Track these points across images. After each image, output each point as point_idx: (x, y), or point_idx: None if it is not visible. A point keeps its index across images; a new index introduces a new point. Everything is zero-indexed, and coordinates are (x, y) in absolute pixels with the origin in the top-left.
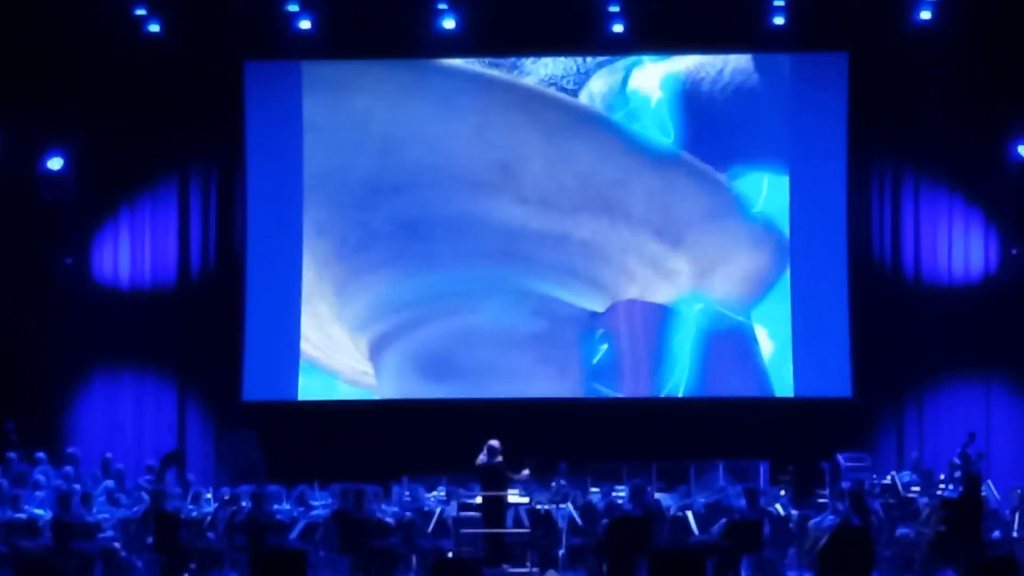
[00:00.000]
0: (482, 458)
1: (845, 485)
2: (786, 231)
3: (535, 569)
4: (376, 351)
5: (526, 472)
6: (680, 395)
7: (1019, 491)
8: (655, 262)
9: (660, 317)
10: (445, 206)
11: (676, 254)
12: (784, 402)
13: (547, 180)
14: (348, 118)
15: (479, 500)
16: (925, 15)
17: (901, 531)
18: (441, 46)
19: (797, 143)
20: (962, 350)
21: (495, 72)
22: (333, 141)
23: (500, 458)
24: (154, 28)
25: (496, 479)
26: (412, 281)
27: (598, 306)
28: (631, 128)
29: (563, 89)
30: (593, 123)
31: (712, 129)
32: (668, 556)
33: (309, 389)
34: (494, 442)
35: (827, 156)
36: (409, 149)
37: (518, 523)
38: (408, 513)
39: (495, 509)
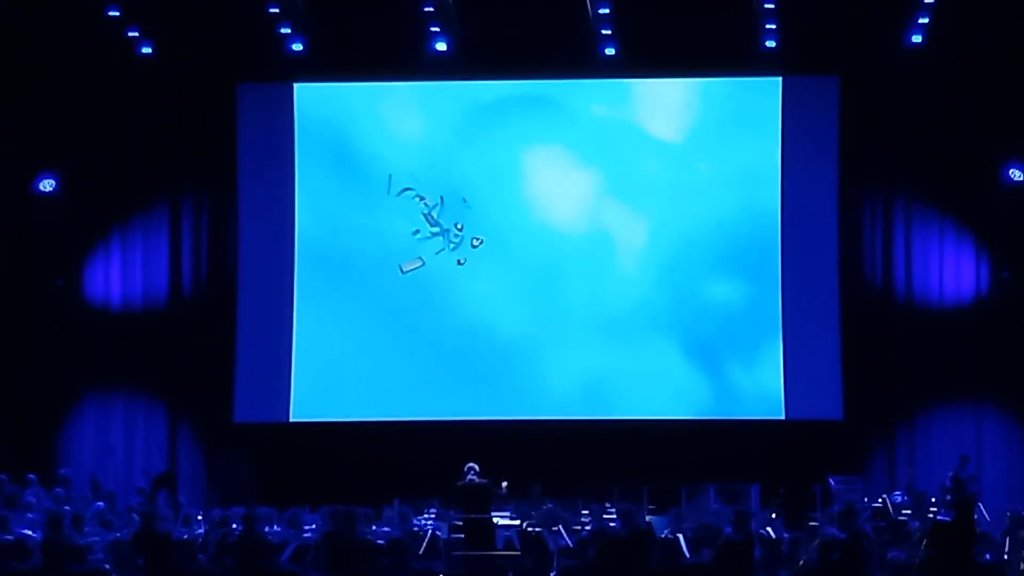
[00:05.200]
0: (466, 480)
1: (836, 508)
2: (777, 253)
3: None
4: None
5: (504, 485)
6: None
7: (1010, 514)
8: None
9: None
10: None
11: None
12: (775, 424)
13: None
14: (341, 140)
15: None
16: (916, 39)
17: (892, 554)
18: (433, 68)
19: (788, 165)
20: (953, 373)
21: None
22: (325, 163)
23: (481, 479)
24: (147, 50)
25: (480, 499)
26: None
27: None
28: None
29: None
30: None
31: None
32: None
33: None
34: (473, 464)
35: (818, 178)
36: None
37: (508, 546)
38: (399, 535)
39: (481, 530)
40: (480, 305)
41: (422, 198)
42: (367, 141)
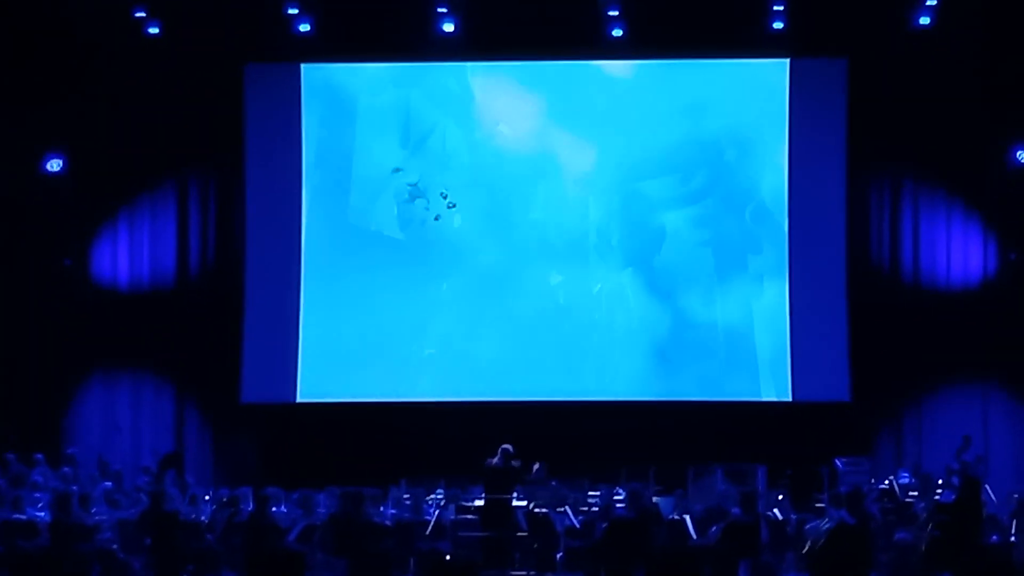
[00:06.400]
0: (496, 460)
1: (843, 489)
2: (785, 235)
3: (532, 572)
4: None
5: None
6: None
7: (1017, 496)
8: None
9: None
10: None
11: None
12: (782, 406)
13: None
14: (347, 120)
15: (479, 503)
16: (924, 20)
17: (899, 535)
18: (441, 49)
19: (796, 147)
20: (960, 355)
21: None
22: (332, 143)
23: (514, 463)
24: (154, 30)
25: (506, 482)
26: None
27: None
28: None
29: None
30: None
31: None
32: (666, 559)
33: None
34: (508, 447)
35: (826, 160)
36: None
37: (515, 526)
38: (406, 516)
39: (500, 512)
40: (484, 281)
41: (398, 169)
42: (373, 122)
